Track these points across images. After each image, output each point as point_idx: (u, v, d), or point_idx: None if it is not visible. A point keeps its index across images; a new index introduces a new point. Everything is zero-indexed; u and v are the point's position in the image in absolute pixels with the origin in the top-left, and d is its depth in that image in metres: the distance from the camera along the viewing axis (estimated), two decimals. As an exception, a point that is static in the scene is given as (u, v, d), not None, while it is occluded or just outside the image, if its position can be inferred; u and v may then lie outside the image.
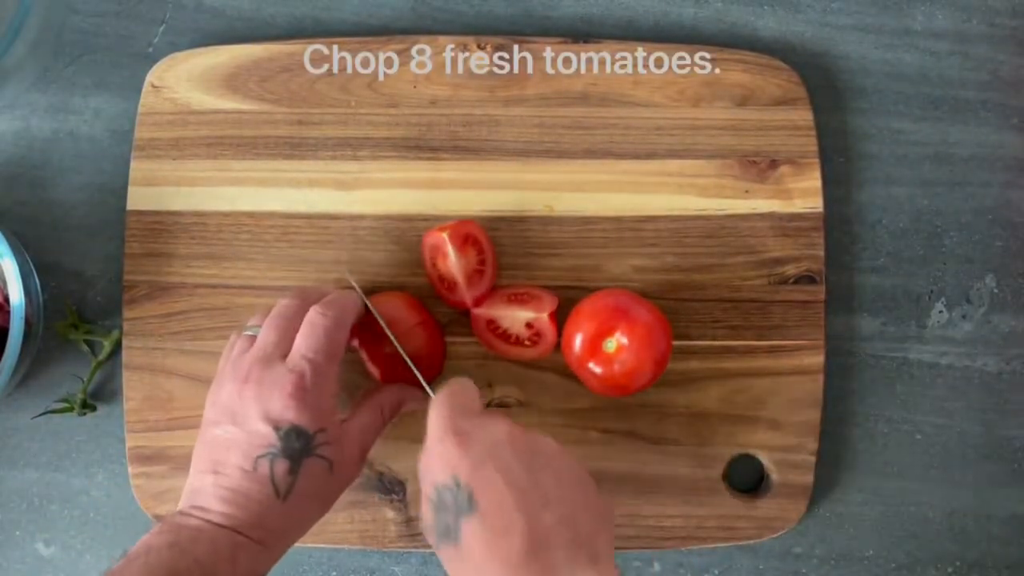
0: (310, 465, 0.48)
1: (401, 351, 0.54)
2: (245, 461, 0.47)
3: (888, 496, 0.61)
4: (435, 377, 0.57)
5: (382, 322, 0.54)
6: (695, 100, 0.60)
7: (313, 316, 0.51)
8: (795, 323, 0.59)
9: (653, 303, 0.56)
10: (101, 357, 0.60)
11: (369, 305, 0.55)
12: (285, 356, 0.50)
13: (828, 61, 0.63)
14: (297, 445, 0.48)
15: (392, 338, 0.54)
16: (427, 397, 0.51)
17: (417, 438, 0.55)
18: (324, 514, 0.51)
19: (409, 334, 0.55)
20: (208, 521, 0.47)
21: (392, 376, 0.56)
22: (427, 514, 0.45)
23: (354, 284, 0.56)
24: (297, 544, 0.50)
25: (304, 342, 0.50)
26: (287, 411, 0.48)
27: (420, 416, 0.58)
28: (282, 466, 0.47)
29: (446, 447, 0.45)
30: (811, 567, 0.61)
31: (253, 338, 0.51)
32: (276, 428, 0.48)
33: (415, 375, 0.53)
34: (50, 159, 0.61)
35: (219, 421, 0.49)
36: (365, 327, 0.55)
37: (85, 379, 0.60)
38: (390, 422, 0.54)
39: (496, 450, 0.44)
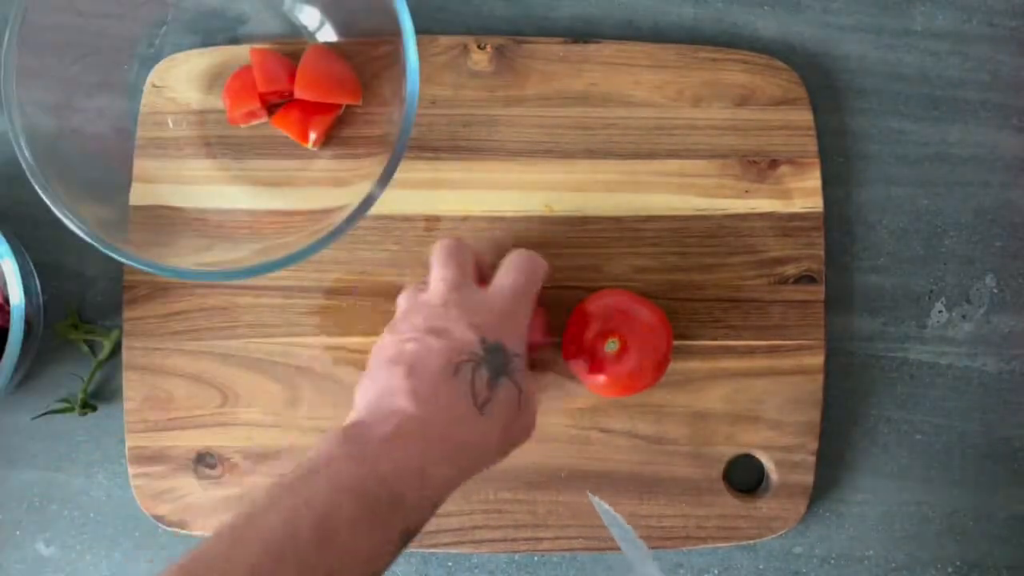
0: (506, 386, 0.46)
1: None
2: (447, 365, 0.45)
3: (888, 496, 0.61)
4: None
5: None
6: (695, 100, 0.61)
7: (513, 255, 0.51)
8: (795, 323, 0.59)
9: (653, 303, 0.56)
10: (101, 357, 0.60)
11: None
12: (474, 285, 0.49)
13: (828, 61, 0.63)
14: (498, 360, 0.46)
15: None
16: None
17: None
18: (499, 460, 0.47)
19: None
20: (397, 429, 0.43)
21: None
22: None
23: (600, 505, 0.56)
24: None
25: (506, 274, 0.50)
26: (492, 329, 0.46)
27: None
28: (483, 376, 0.45)
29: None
30: (811, 567, 0.61)
31: (423, 289, 0.50)
32: (482, 339, 0.46)
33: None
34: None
35: (415, 337, 0.46)
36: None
37: (85, 379, 0.60)
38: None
39: None
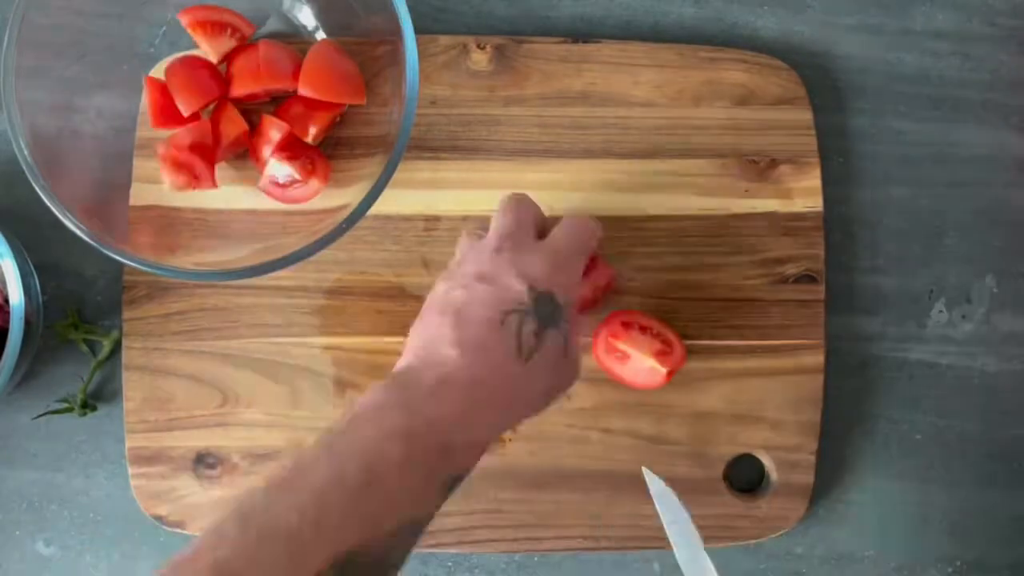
0: (552, 336, 0.45)
1: None
2: (493, 313, 0.45)
3: (888, 496, 0.61)
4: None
5: None
6: (695, 100, 0.61)
7: (566, 219, 0.50)
8: (795, 323, 0.59)
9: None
10: (101, 357, 0.60)
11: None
12: (531, 237, 0.49)
13: (828, 61, 0.63)
14: (547, 310, 0.46)
15: None
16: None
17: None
18: (544, 408, 0.47)
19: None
20: (444, 378, 0.43)
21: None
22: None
23: (655, 482, 0.56)
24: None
25: (561, 231, 0.49)
26: (542, 278, 0.46)
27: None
28: (530, 326, 0.45)
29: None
30: (811, 567, 0.61)
31: (482, 236, 0.50)
32: (531, 288, 0.45)
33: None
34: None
35: (465, 284, 0.46)
36: None
37: (85, 379, 0.60)
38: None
39: None
